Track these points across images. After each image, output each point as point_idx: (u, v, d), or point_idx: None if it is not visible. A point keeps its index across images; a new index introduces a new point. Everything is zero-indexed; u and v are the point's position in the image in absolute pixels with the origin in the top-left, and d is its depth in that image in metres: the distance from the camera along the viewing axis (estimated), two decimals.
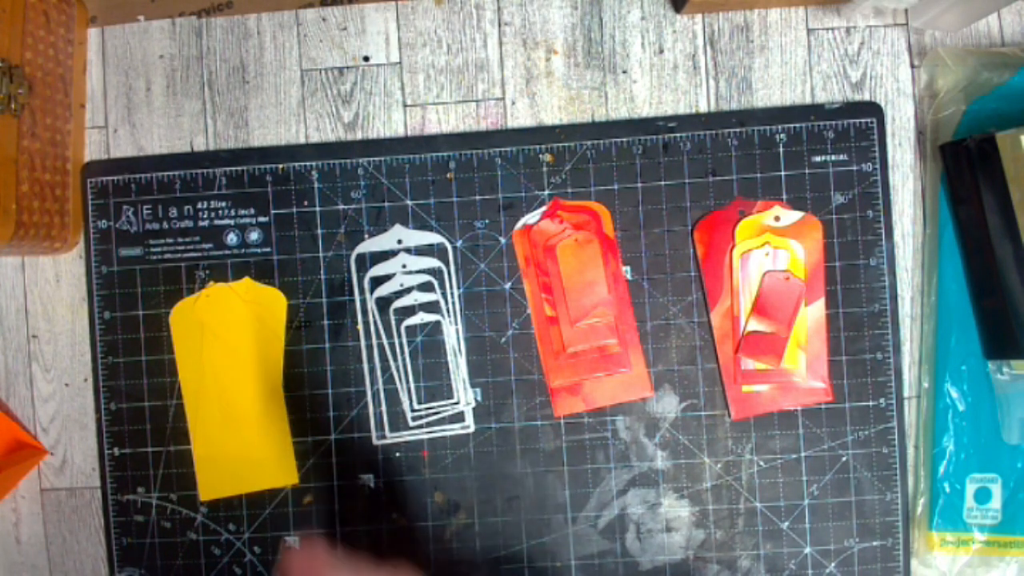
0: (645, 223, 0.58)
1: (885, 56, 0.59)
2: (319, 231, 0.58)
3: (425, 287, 0.58)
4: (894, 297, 0.57)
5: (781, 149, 0.58)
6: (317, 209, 0.58)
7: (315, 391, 0.58)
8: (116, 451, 0.58)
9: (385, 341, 0.58)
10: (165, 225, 0.59)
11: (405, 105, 0.60)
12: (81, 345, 0.60)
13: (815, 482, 0.57)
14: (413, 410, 0.58)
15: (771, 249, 0.57)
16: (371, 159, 0.58)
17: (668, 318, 0.58)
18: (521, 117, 0.59)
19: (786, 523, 0.57)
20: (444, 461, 0.58)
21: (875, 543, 0.57)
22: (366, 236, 0.58)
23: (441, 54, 0.60)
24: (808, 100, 0.59)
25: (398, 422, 0.58)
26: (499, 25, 0.60)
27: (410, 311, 0.58)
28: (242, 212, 0.59)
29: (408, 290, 0.58)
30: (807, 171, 0.58)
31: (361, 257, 0.58)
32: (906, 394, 0.58)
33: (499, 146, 0.58)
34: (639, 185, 0.58)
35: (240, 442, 0.58)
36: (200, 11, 0.60)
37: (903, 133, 0.59)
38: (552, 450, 0.58)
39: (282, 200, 0.59)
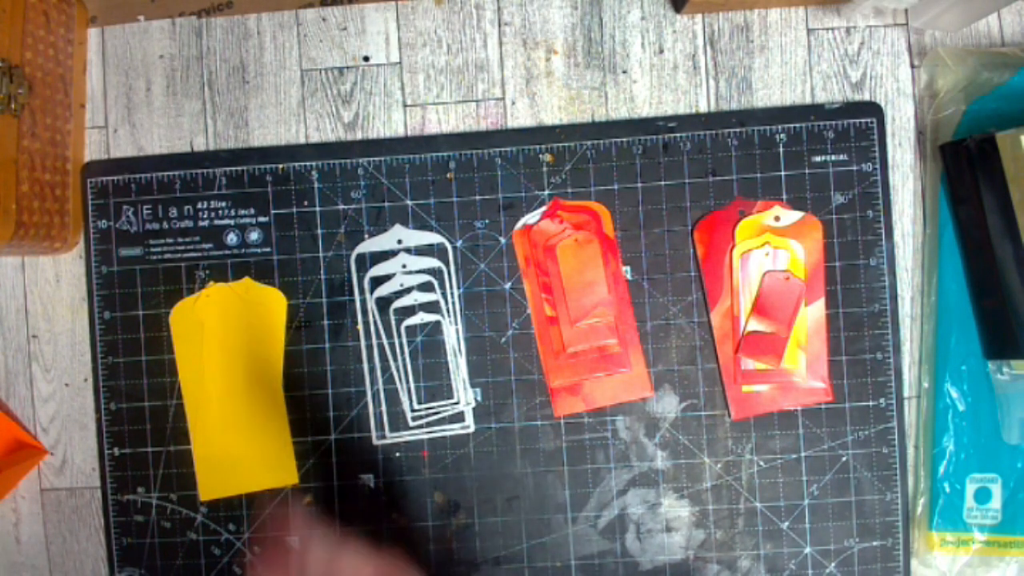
0: (645, 223, 0.58)
1: (885, 56, 0.59)
2: (319, 231, 0.58)
3: (425, 287, 0.58)
4: (894, 297, 0.57)
5: (781, 149, 0.58)
6: (317, 209, 0.58)
7: (315, 391, 0.58)
8: (116, 451, 0.58)
9: (385, 341, 0.58)
10: (165, 225, 0.59)
11: (405, 105, 0.60)
12: (81, 345, 0.60)
13: (815, 482, 0.57)
14: (413, 410, 0.58)
15: (771, 249, 0.57)
16: (371, 159, 0.58)
17: (668, 318, 0.58)
18: (521, 117, 0.59)
19: (786, 523, 0.57)
20: (444, 461, 0.58)
21: (875, 543, 0.57)
22: (366, 236, 0.58)
23: (441, 54, 0.60)
24: (808, 100, 0.59)
25: (398, 422, 0.58)
26: (499, 25, 0.60)
27: (410, 311, 0.58)
28: (242, 212, 0.59)
29: (408, 290, 0.58)
30: (807, 171, 0.58)
31: (361, 257, 0.58)
32: (906, 394, 0.58)
33: (499, 146, 0.58)
34: (639, 185, 0.58)
35: (240, 442, 0.58)
36: (200, 11, 0.60)
37: (903, 133, 0.59)
38: (552, 450, 0.58)
39: (282, 200, 0.59)
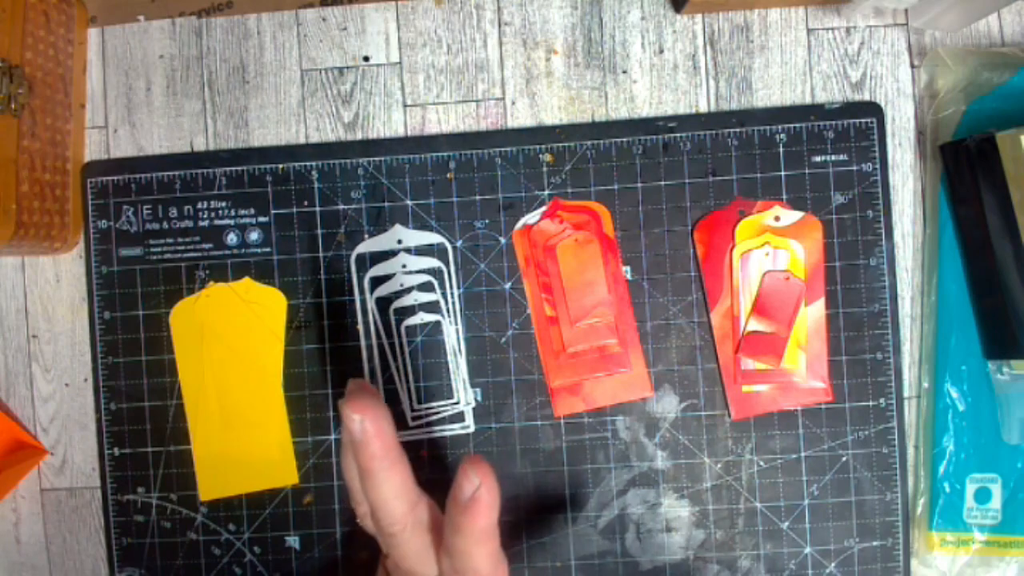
0: (645, 223, 0.58)
1: (885, 56, 0.59)
2: (319, 231, 0.58)
3: (425, 287, 0.58)
4: (894, 297, 0.57)
5: (781, 149, 0.58)
6: (317, 209, 0.58)
7: (315, 391, 0.58)
8: (116, 451, 0.59)
9: (385, 341, 0.58)
10: (165, 225, 0.59)
11: (405, 105, 0.60)
12: (81, 345, 0.60)
13: (815, 482, 0.57)
14: (413, 410, 0.58)
15: (771, 249, 0.57)
16: (371, 159, 0.58)
17: (668, 318, 0.58)
18: (521, 117, 0.59)
19: (786, 523, 0.57)
20: (444, 461, 0.58)
21: (875, 543, 0.57)
22: (366, 236, 0.58)
23: (441, 54, 0.60)
24: (808, 100, 0.59)
25: (398, 422, 0.58)
26: (499, 25, 0.60)
27: (410, 311, 0.58)
28: (242, 212, 0.59)
29: (408, 290, 0.58)
30: (807, 171, 0.58)
31: (361, 257, 0.58)
32: (906, 394, 0.58)
33: (499, 146, 0.58)
34: (639, 185, 0.58)
35: (240, 442, 0.58)
36: (200, 11, 0.60)
37: (903, 133, 0.59)
38: (552, 450, 0.58)
39: (282, 200, 0.59)
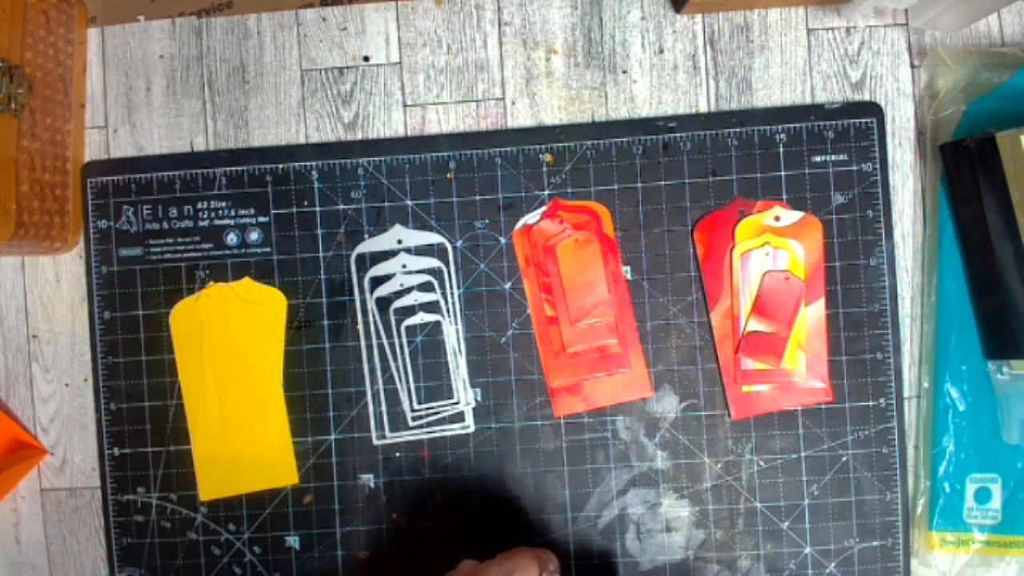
0: (645, 223, 0.58)
1: (885, 56, 0.59)
2: (319, 231, 0.58)
3: (425, 287, 0.58)
4: (894, 297, 0.57)
5: (781, 149, 0.58)
6: (317, 209, 0.58)
7: (315, 391, 0.58)
8: (116, 451, 0.58)
9: (385, 341, 0.58)
10: (165, 225, 0.59)
11: (405, 105, 0.60)
12: (81, 345, 0.60)
13: (815, 482, 0.57)
14: (413, 410, 0.58)
15: (771, 249, 0.57)
16: (371, 159, 0.58)
17: (668, 318, 0.58)
18: (521, 117, 0.59)
19: (786, 523, 0.57)
20: (444, 461, 0.58)
21: (875, 543, 0.57)
22: (366, 236, 0.58)
23: (441, 54, 0.60)
24: (808, 100, 0.59)
25: (398, 422, 0.58)
26: (499, 25, 0.60)
27: (410, 311, 0.58)
28: (242, 212, 0.59)
29: (408, 290, 0.58)
30: (807, 171, 0.58)
31: (361, 257, 0.58)
32: (906, 394, 0.58)
33: (499, 146, 0.58)
34: (639, 185, 0.58)
35: (240, 442, 0.58)
36: (200, 11, 0.60)
37: (903, 133, 0.59)
38: (552, 450, 0.58)
39: (282, 200, 0.59)
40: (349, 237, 0.58)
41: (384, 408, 0.58)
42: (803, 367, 0.57)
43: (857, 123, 0.58)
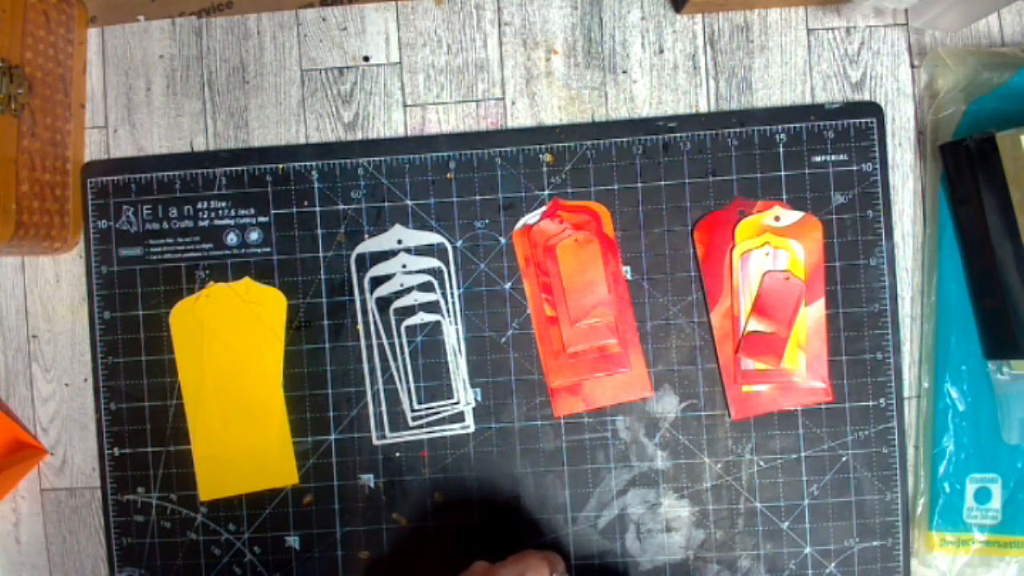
0: (645, 223, 0.58)
1: (885, 56, 0.59)
2: (319, 231, 0.58)
3: (425, 287, 0.58)
4: (894, 297, 0.57)
5: (781, 149, 0.58)
6: (317, 209, 0.58)
7: (315, 391, 0.58)
8: (116, 451, 0.59)
9: (385, 341, 0.58)
10: (165, 225, 0.59)
11: (405, 105, 0.60)
12: (81, 345, 0.60)
13: (815, 482, 0.57)
14: (413, 410, 0.58)
15: (771, 249, 0.57)
16: (371, 159, 0.58)
17: (668, 318, 0.58)
18: (521, 117, 0.59)
19: (786, 523, 0.57)
20: (444, 461, 0.58)
21: (875, 543, 0.57)
22: (366, 236, 0.58)
23: (441, 54, 0.60)
24: (808, 100, 0.59)
25: (398, 422, 0.58)
26: (499, 25, 0.60)
27: (410, 311, 0.58)
28: (242, 212, 0.59)
29: (408, 290, 0.58)
30: (807, 171, 0.58)
31: (361, 257, 0.58)
32: (906, 394, 0.58)
33: (499, 146, 0.58)
34: (639, 185, 0.58)
35: (240, 442, 0.58)
36: (200, 11, 0.60)
37: (903, 133, 0.59)
38: (552, 450, 0.58)
39: (282, 200, 0.59)
40: (349, 237, 0.58)
41: (384, 408, 0.58)
42: (803, 367, 0.57)
43: (857, 123, 0.58)
